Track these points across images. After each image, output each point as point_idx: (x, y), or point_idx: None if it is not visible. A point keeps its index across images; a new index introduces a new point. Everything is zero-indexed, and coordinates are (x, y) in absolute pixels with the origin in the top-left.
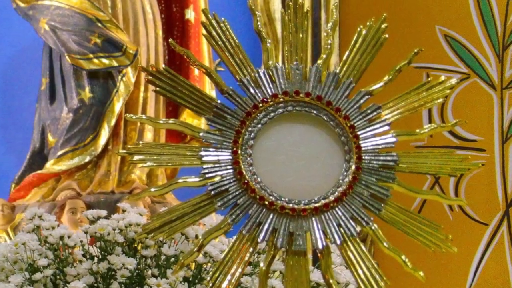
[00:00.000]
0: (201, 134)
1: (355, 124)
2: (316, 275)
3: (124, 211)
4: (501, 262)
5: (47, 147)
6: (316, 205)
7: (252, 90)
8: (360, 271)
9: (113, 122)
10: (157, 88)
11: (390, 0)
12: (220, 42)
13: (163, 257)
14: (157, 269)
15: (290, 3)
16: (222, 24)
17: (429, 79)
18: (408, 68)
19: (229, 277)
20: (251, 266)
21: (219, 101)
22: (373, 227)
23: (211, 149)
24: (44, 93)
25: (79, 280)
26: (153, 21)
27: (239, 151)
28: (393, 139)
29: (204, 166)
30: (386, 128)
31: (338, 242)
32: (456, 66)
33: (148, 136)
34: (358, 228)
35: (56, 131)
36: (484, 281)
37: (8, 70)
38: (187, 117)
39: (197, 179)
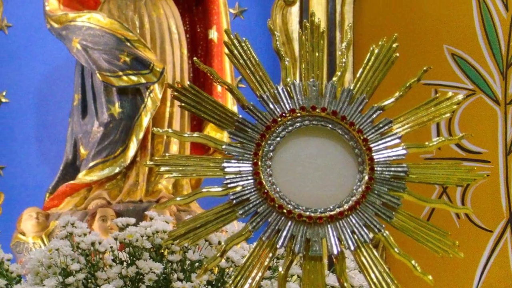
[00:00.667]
0: (223, 146)
1: (368, 137)
2: (331, 279)
3: (151, 218)
4: (505, 267)
5: (79, 159)
6: (332, 213)
7: (271, 106)
8: (372, 275)
9: (141, 135)
10: (182, 104)
11: (400, 21)
12: (241, 60)
13: (188, 262)
14: (182, 273)
15: (307, 23)
16: (243, 44)
17: (437, 95)
18: (418, 85)
19: (249, 280)
20: (271, 270)
21: (240, 116)
22: (384, 234)
23: (233, 161)
24: (76, 108)
25: (109, 283)
26: (178, 41)
27: (259, 163)
28: (404, 151)
29: (227, 177)
30: (397, 141)
31: (352, 248)
32: (462, 83)
33: (174, 148)
34: (371, 235)
35: (87, 144)
36: (489, 285)
37: (43, 87)
38: (211, 130)
39: (220, 189)
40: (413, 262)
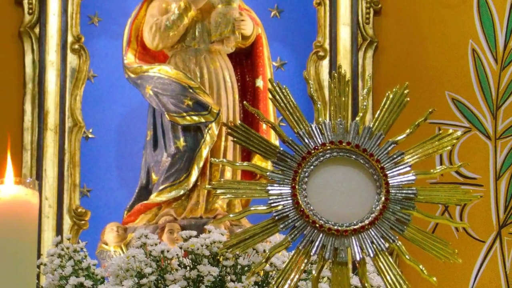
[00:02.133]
0: (267, 173)
1: (384, 166)
2: (355, 280)
3: (209, 231)
4: (495, 270)
5: (151, 183)
6: (355, 227)
7: (306, 140)
8: (388, 277)
9: (201, 164)
10: (235, 139)
11: (410, 71)
12: (282, 104)
13: (239, 266)
14: (234, 275)
15: (335, 74)
16: (283, 90)
17: (440, 131)
18: (424, 124)
19: (289, 281)
20: (306, 273)
21: (281, 149)
22: (398, 244)
23: (275, 185)
24: (149, 143)
25: (175, 284)
26: (231, 88)
27: (297, 186)
28: (413, 177)
29: (270, 198)
30: (408, 169)
31: (372, 255)
32: (460, 122)
33: (228, 175)
34: (387, 245)
35: (158, 171)
36: (482, 285)
37: (122, 125)
38: (257, 160)
39: (264, 207)
40: (420, 266)
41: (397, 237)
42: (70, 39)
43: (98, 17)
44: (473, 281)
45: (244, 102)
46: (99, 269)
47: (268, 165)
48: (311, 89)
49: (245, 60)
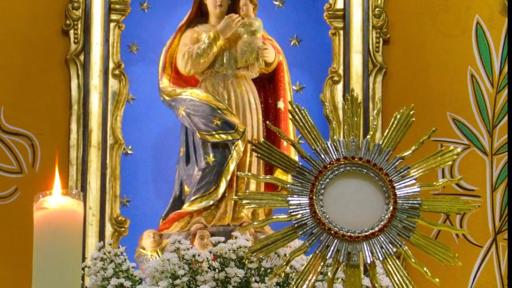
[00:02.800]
0: (288, 185)
1: (392, 179)
2: (366, 281)
3: (236, 237)
4: (491, 272)
5: (184, 194)
6: (366, 233)
7: (322, 156)
8: (396, 278)
9: (228, 177)
10: (259, 155)
11: (415, 94)
12: (301, 123)
13: (262, 269)
14: (258, 277)
15: (348, 96)
16: (302, 111)
17: (442, 148)
18: (428, 141)
19: (307, 282)
20: (322, 275)
21: (300, 163)
22: (404, 249)
23: (295, 196)
24: (182, 158)
25: (205, 284)
26: (255, 109)
27: (314, 197)
28: (418, 189)
29: (290, 207)
30: (413, 181)
31: (381, 258)
32: (460, 140)
33: (252, 187)
34: (394, 249)
35: (190, 184)
36: (480, 286)
37: (157, 142)
38: (279, 174)
39: (285, 216)
40: (425, 268)
41: (403, 243)
42: (111, 65)
43: (136, 46)
44: (472, 282)
45: (267, 122)
46: (137, 271)
47: (288, 178)
48: (327, 110)
49: (268, 84)
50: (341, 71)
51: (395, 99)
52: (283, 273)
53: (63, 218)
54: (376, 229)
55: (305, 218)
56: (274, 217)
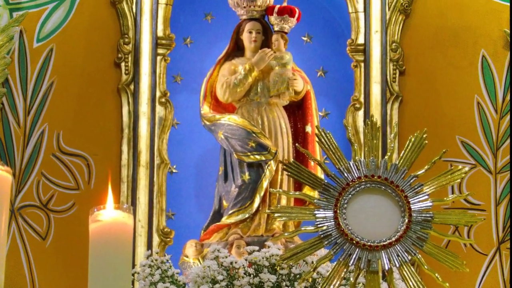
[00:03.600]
0: (315, 201)
1: (408, 195)
2: (384, 286)
3: (268, 247)
4: (495, 277)
5: (222, 208)
6: (384, 243)
7: (345, 174)
8: (410, 283)
9: (262, 193)
10: (289, 173)
11: (428, 119)
12: (326, 145)
13: (292, 275)
14: (289, 282)
15: (368, 121)
16: (327, 135)
17: (452, 167)
18: (439, 161)
19: (331, 286)
20: (345, 280)
21: (326, 181)
22: (418, 256)
23: (321, 210)
24: (221, 176)
25: None
26: (286, 133)
27: (338, 211)
28: (430, 204)
29: (317, 220)
30: (426, 197)
31: (397, 265)
32: (468, 160)
33: (283, 202)
34: (409, 257)
35: (228, 199)
36: None
37: (199, 162)
38: (307, 190)
39: (312, 228)
40: (436, 274)
41: (417, 251)
42: (158, 94)
43: (180, 77)
44: (478, 287)
45: (296, 144)
46: (181, 277)
47: (315, 194)
48: (349, 134)
49: (297, 110)
50: (362, 99)
51: (410, 124)
52: (311, 279)
53: (115, 230)
54: (393, 239)
55: (330, 229)
56: (302, 228)
